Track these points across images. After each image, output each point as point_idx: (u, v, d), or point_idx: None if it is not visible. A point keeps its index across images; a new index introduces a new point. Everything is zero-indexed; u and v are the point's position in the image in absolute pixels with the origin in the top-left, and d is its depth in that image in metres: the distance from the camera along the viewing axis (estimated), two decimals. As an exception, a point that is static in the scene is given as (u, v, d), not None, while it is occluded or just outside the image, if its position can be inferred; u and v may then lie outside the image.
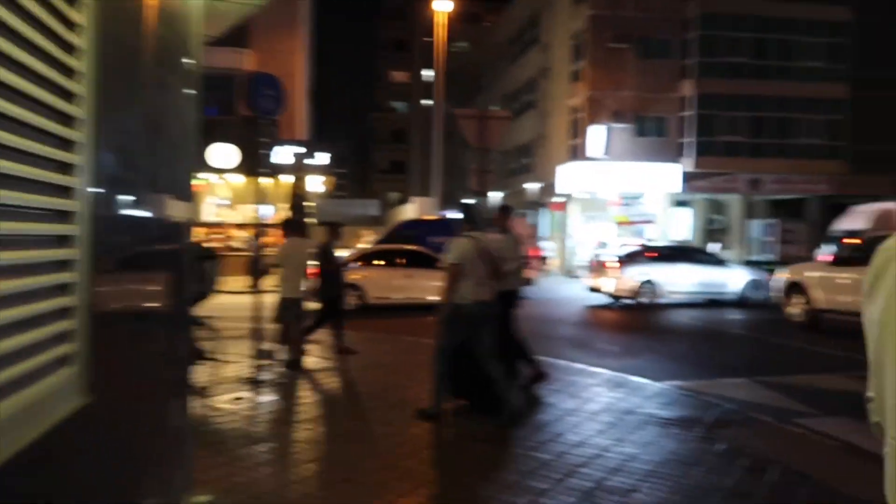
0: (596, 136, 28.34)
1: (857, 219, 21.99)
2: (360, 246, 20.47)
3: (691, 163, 29.44)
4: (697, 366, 8.75)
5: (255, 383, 6.83)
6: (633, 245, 18.78)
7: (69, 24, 1.52)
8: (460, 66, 42.42)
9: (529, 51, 36.35)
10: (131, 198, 2.14)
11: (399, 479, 4.31)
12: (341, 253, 10.59)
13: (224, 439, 5.06)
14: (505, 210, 7.16)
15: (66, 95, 1.53)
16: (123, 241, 2.07)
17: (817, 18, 30.16)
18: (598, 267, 16.78)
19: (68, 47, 1.52)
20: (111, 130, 1.86)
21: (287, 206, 22.76)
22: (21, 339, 1.34)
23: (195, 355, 6.57)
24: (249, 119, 7.71)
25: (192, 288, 3.79)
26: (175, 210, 2.78)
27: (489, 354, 5.58)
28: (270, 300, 7.94)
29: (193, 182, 3.56)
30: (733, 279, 15.70)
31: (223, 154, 12.59)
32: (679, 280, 15.53)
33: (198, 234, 18.51)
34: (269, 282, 9.09)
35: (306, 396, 6.61)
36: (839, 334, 11.47)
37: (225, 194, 25.44)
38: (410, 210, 31.54)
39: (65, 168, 1.54)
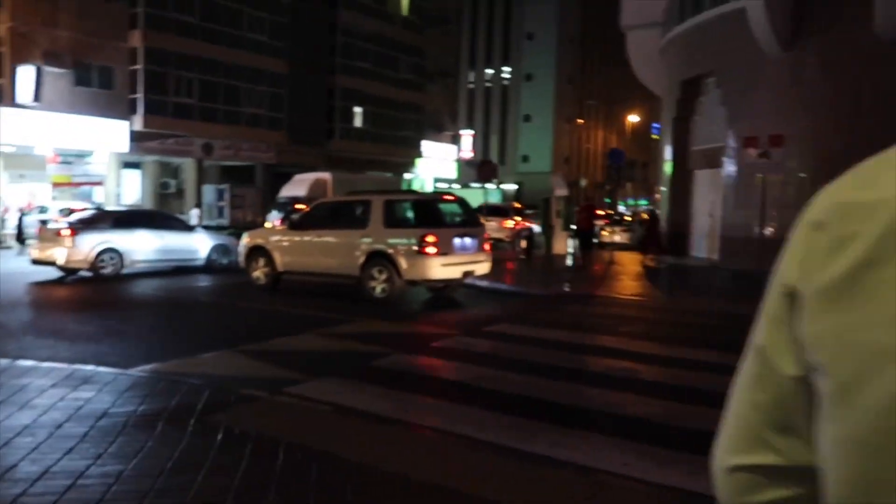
0: (24, 77, 23.83)
1: (298, 186, 24.30)
2: None
3: (140, 121, 27.67)
4: (172, 342, 7.97)
5: None
6: (83, 209, 16.44)
7: None
8: None
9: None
10: None
11: None
12: None
13: None
14: None
15: None
16: None
17: (262, -6, 31.64)
18: (46, 235, 14.12)
19: None
20: None
21: None
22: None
23: None
24: None
25: None
26: None
27: None
28: None
29: None
30: (199, 244, 15.26)
31: None
32: (143, 247, 14.26)
33: None
34: None
35: None
36: (299, 294, 12.28)
37: None
38: None
39: None
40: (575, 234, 17.27)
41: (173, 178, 31.14)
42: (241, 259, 13.13)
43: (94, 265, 13.53)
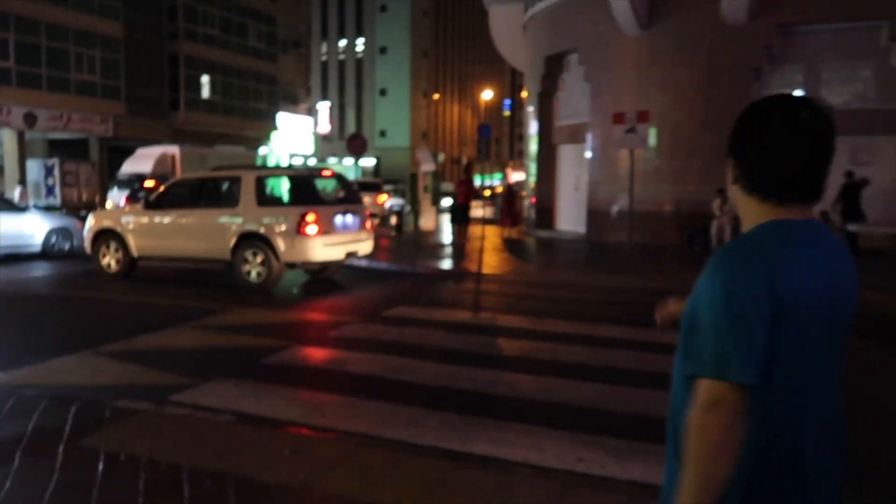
0: None
1: (142, 161, 22.11)
2: None
3: (-56, 87, 23.88)
4: (14, 346, 6.72)
5: None
6: None
7: None
8: None
9: None
10: None
11: None
12: None
13: None
14: None
15: None
16: None
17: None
18: None
19: None
20: None
21: None
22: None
23: None
24: None
25: None
26: None
27: None
28: None
29: None
30: (33, 228, 13.28)
31: None
32: None
33: None
34: None
35: None
36: (160, 281, 11.03)
37: None
38: None
39: None
40: (452, 209, 17.05)
41: (-9, 152, 27.31)
42: (87, 244, 11.56)
43: None
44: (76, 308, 8.90)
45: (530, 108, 21.64)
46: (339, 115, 62.64)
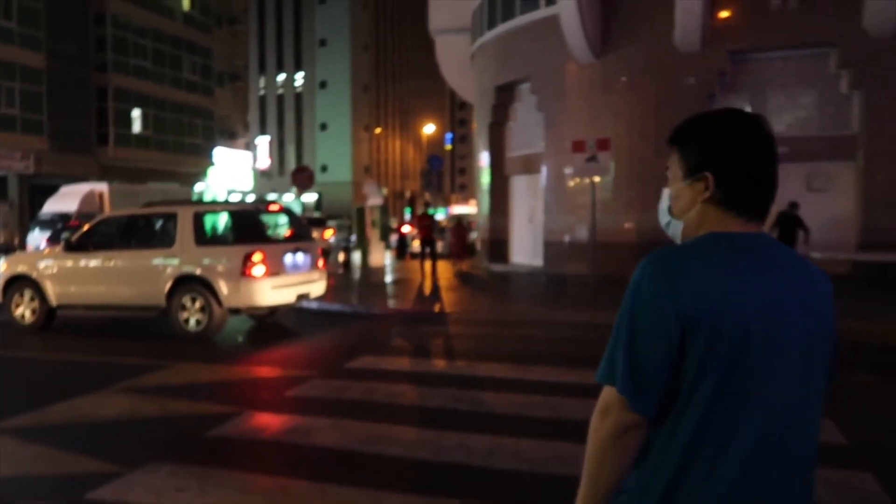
0: None
1: (66, 200, 20.52)
2: None
3: None
4: None
5: None
6: None
7: None
8: None
9: None
10: None
11: None
12: None
13: None
14: None
15: None
16: None
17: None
18: None
19: None
20: None
21: None
22: None
23: None
24: None
25: None
26: None
27: None
28: None
29: None
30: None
31: None
32: None
33: None
34: None
35: None
36: (83, 333, 9.75)
37: None
38: None
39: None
40: (423, 244, 16.15)
41: None
42: (-2, 292, 10.19)
43: None
44: (-20, 370, 7.59)
45: (481, 140, 21.15)
46: (278, 151, 61.30)
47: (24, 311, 9.94)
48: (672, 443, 1.20)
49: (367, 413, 5.29)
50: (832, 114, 14.88)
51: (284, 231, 10.23)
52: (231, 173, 39.96)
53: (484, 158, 20.54)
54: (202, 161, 37.27)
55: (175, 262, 9.11)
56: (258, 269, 8.89)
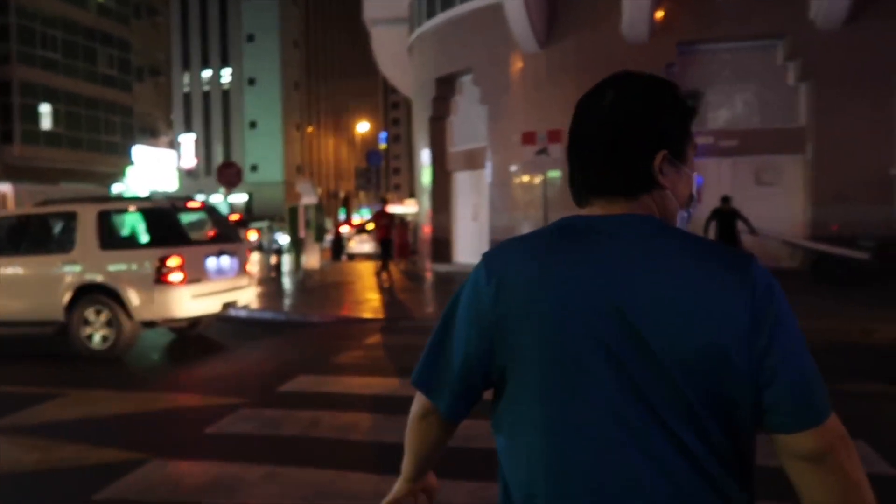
0: None
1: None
2: None
3: None
4: None
5: None
6: None
7: None
8: None
9: None
10: None
11: None
12: None
13: None
14: None
15: None
16: None
17: None
18: None
19: None
20: None
21: None
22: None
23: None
24: None
25: None
26: None
27: None
28: None
29: None
30: None
31: None
32: None
33: None
34: None
35: None
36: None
37: None
38: None
39: None
40: (382, 245, 15.03)
41: None
42: None
43: None
44: None
45: (421, 135, 20.21)
46: (205, 149, 58.66)
47: None
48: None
49: (311, 455, 4.25)
50: (780, 106, 14.64)
51: (207, 231, 9.00)
52: (153, 173, 37.64)
53: (425, 155, 19.60)
54: (121, 160, 34.94)
55: (76, 269, 7.78)
56: (175, 276, 7.67)
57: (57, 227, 8.22)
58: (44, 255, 8.02)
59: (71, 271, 7.80)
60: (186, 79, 60.54)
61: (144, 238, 8.00)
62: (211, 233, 9.02)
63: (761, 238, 12.10)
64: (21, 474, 4.11)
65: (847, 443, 0.96)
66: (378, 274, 14.92)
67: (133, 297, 7.60)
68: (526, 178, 15.60)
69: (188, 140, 45.93)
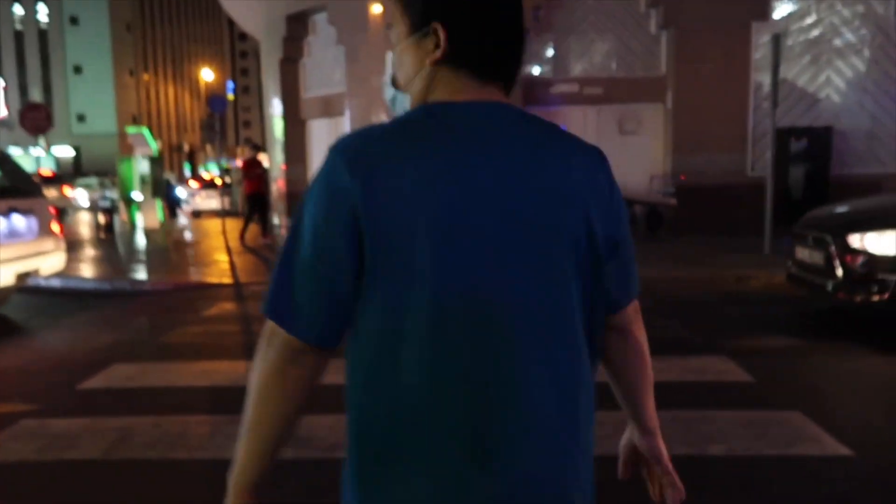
0: None
1: None
2: None
3: None
4: None
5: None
6: None
7: None
8: None
9: None
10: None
11: None
12: None
13: None
14: None
15: None
16: None
17: None
18: None
19: None
20: None
21: None
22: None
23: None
24: None
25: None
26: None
27: None
28: None
29: None
30: None
31: None
32: None
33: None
34: None
35: None
36: None
37: None
38: None
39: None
40: (251, 201, 13.35)
41: None
42: None
43: None
44: None
45: (270, 80, 18.37)
46: (20, 97, 51.62)
47: None
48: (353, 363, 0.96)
49: (114, 491, 3.04)
50: (643, 54, 14.50)
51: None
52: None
53: (276, 103, 17.84)
54: None
55: None
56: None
57: None
58: None
59: None
60: (-7, 14, 52.64)
61: None
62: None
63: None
64: None
65: (638, 307, 1.11)
66: (242, 234, 13.31)
67: None
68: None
69: (-2, 85, 39.84)
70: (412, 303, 0.90)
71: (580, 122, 14.20)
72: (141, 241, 14.27)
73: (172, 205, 22.47)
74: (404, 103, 1.07)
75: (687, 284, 7.78)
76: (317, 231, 0.92)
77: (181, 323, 6.45)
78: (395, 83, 1.10)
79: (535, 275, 0.93)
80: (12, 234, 6.66)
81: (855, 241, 5.40)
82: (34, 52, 53.44)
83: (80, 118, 52.67)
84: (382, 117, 14.55)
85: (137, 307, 7.42)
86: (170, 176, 28.45)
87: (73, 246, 12.25)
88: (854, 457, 3.17)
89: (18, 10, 53.65)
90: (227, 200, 25.46)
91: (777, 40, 10.35)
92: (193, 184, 28.71)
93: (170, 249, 12.54)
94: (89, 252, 11.93)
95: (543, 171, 0.95)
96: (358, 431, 0.95)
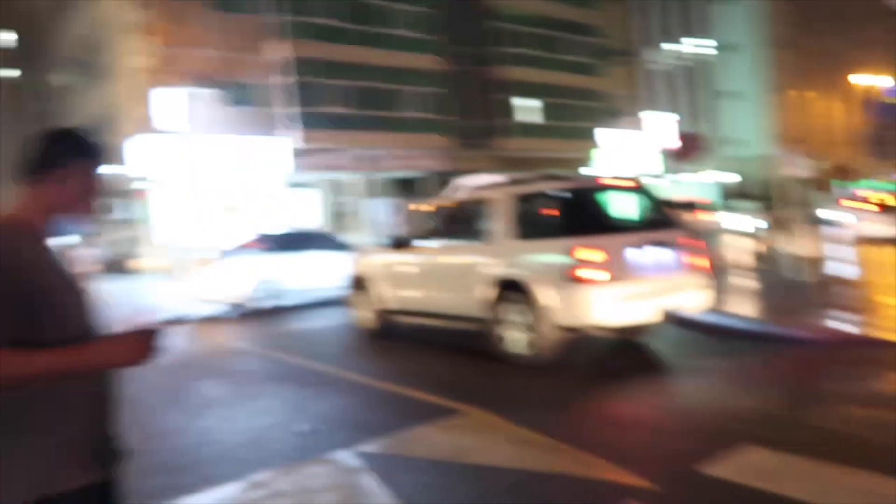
0: (169, 102, 22.84)
1: (459, 194, 20.70)
2: None
3: (299, 137, 25.83)
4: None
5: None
6: (247, 235, 14.47)
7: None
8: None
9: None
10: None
11: None
12: None
13: None
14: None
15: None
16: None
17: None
18: (201, 265, 13.01)
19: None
20: None
21: None
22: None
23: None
24: None
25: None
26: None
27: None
28: None
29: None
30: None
31: None
32: (307, 275, 12.47)
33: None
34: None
35: None
36: (408, 340, 8.34)
37: None
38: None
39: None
40: None
41: (342, 196, 29.03)
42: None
43: (250, 297, 11.84)
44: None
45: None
46: (682, 126, 56.53)
47: (361, 312, 9.10)
48: None
49: None
50: None
51: (635, 215, 7.20)
52: (622, 155, 37.18)
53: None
54: (585, 144, 35.41)
55: (492, 262, 6.93)
56: (592, 273, 6.12)
57: (476, 216, 7.51)
58: (465, 246, 7.45)
59: (486, 264, 6.97)
60: (652, 55, 59.32)
61: (556, 225, 6.63)
62: (641, 216, 7.19)
63: None
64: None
65: None
66: None
67: (543, 297, 6.33)
68: None
69: (663, 119, 44.39)
70: None
71: None
72: (792, 272, 12.97)
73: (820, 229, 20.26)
74: None
75: None
76: None
77: (839, 397, 4.98)
78: None
79: None
80: (656, 268, 6.51)
81: None
82: (686, 84, 57.50)
83: (729, 141, 54.21)
84: None
85: (784, 361, 6.29)
86: (817, 196, 26.01)
87: (719, 274, 11.92)
88: None
89: (673, 47, 58.59)
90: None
91: None
92: (849, 204, 25.44)
93: (821, 285, 10.89)
94: (738, 282, 11.36)
95: None
96: None
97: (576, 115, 34.85)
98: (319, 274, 12.46)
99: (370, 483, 3.72)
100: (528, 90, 32.87)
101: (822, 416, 4.53)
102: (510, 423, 4.71)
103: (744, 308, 8.66)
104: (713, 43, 56.05)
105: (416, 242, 8.15)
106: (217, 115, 23.65)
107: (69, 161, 1.68)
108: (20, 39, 37.70)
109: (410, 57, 28.22)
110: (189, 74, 22.76)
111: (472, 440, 4.44)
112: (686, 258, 6.77)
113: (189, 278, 13.53)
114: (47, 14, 33.96)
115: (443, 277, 7.59)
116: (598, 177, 7.41)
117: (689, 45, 56.80)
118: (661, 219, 7.15)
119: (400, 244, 8.37)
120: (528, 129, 32.92)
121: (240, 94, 24.60)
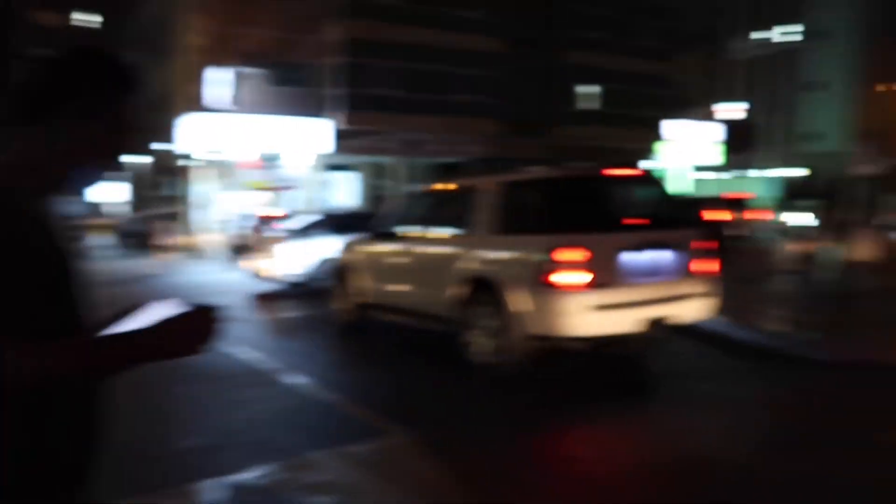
0: (219, 81, 22.75)
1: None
2: None
3: (343, 118, 25.40)
4: None
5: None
6: (309, 214, 14.19)
7: None
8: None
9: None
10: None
11: None
12: None
13: None
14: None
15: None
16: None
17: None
18: (260, 243, 12.82)
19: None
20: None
21: None
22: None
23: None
24: None
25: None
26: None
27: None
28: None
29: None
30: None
31: None
32: None
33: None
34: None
35: None
36: (379, 339, 7.59)
37: None
38: None
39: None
40: None
41: (382, 179, 28.60)
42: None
43: (312, 275, 11.27)
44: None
45: None
46: (756, 118, 53.47)
47: (338, 304, 8.38)
48: None
49: None
50: None
51: (635, 211, 6.18)
52: (688, 148, 35.01)
53: None
54: (649, 135, 33.33)
55: (468, 256, 6.08)
56: (569, 276, 5.19)
57: (458, 205, 6.65)
58: (442, 238, 6.62)
59: (460, 259, 6.13)
60: (733, 43, 56.17)
61: (541, 219, 5.72)
62: (641, 213, 6.17)
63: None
64: None
65: None
66: None
67: (515, 301, 5.45)
68: None
69: (736, 111, 41.75)
70: None
71: None
72: (841, 279, 11.55)
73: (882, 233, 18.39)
74: None
75: None
76: None
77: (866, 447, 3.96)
78: None
79: None
80: (649, 272, 5.52)
81: None
82: (769, 73, 54.23)
83: (812, 137, 50.91)
84: None
85: (804, 389, 5.21)
86: (885, 198, 23.85)
87: (758, 279, 10.69)
88: None
89: (756, 35, 55.31)
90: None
91: None
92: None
93: (869, 296, 9.54)
94: (777, 288, 10.12)
95: None
96: None
97: (640, 103, 32.96)
98: None
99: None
100: (591, 76, 31.33)
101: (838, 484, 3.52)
102: (429, 453, 3.90)
103: (773, 321, 7.50)
104: (801, 29, 52.48)
105: (400, 232, 7.37)
106: (263, 95, 23.46)
107: (92, 90, 1.24)
108: (105, 22, 38.66)
109: (467, 38, 27.30)
110: (241, 54, 22.59)
111: (364, 476, 3.65)
112: (691, 262, 5.75)
113: (243, 256, 13.66)
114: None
115: (417, 272, 6.79)
116: (601, 167, 6.42)
117: (777, 33, 53.34)
118: (671, 216, 6.14)
119: (383, 234, 7.61)
120: (586, 117, 31.45)
121: (289, 74, 24.34)
